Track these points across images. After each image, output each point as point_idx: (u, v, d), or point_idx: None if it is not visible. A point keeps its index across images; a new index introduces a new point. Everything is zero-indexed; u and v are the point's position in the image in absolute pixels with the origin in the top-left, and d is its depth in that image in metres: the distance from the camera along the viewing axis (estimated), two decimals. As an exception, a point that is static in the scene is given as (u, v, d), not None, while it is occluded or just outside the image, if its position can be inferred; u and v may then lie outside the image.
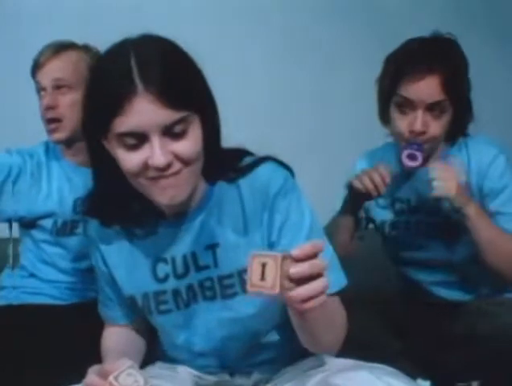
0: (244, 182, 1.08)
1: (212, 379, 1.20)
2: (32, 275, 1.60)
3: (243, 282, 1.08)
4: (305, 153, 2.53)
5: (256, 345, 1.13)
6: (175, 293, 1.12)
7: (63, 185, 1.58)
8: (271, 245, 1.07)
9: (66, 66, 1.50)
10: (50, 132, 1.53)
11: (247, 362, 1.17)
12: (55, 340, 1.39)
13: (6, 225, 1.66)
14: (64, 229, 1.56)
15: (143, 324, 1.22)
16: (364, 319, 1.52)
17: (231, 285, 1.09)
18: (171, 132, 0.96)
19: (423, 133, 1.42)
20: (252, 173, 1.08)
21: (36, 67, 1.52)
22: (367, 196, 1.49)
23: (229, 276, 1.09)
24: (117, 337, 1.24)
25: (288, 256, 0.80)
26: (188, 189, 1.01)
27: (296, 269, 0.79)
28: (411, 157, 1.44)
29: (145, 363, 1.22)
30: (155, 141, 0.95)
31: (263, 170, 1.09)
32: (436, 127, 1.43)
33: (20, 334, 1.41)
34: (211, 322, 1.13)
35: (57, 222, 1.55)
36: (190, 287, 1.11)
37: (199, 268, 1.10)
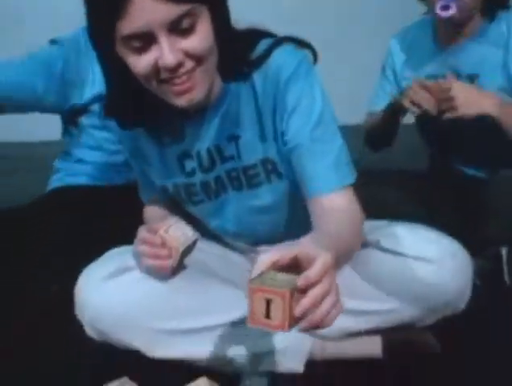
0: (258, 76, 1.05)
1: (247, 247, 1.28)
2: (79, 160, 1.67)
3: (267, 172, 1.11)
4: (334, 43, 2.50)
5: (288, 227, 1.17)
6: (204, 185, 1.15)
7: None
8: (281, 135, 1.06)
9: None
10: None
11: (281, 239, 1.22)
12: (99, 219, 1.47)
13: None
14: None
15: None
16: (393, 195, 1.58)
17: (256, 174, 1.11)
18: (178, 28, 0.90)
19: None
20: (266, 62, 1.04)
21: None
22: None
23: (253, 166, 1.11)
24: (157, 207, 1.29)
25: (294, 289, 0.71)
26: (204, 89, 0.98)
27: (300, 309, 0.71)
28: (445, 8, 1.40)
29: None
30: (163, 40, 0.90)
31: (277, 56, 1.03)
32: None
33: (69, 213, 1.50)
34: (240, 210, 1.17)
35: None
36: (218, 178, 1.14)
37: (224, 160, 1.11)
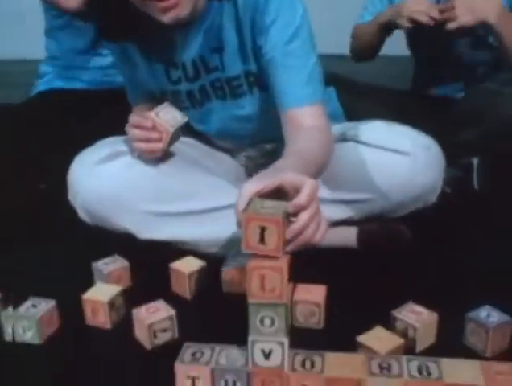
0: None
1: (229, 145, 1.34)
2: (67, 65, 1.69)
3: (249, 84, 1.16)
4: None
5: (271, 132, 1.20)
6: (189, 93, 1.20)
7: None
8: (259, 49, 1.09)
9: None
10: None
11: (264, 142, 1.31)
12: (87, 120, 1.50)
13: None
14: None
15: None
16: (377, 110, 1.63)
17: (239, 85, 1.17)
18: None
19: None
20: None
21: None
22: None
23: (236, 78, 1.16)
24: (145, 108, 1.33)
25: (285, 215, 0.75)
26: (189, 6, 1.01)
27: (291, 234, 0.77)
28: None
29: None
30: None
31: None
32: None
33: (57, 114, 1.54)
34: (224, 118, 1.23)
35: None
36: (202, 88, 1.19)
37: (208, 71, 1.16)
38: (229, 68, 1.15)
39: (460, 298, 1.00)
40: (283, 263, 0.75)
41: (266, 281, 0.75)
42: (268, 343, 0.78)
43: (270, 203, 0.77)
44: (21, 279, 1.14)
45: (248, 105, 1.20)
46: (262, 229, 0.73)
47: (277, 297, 0.76)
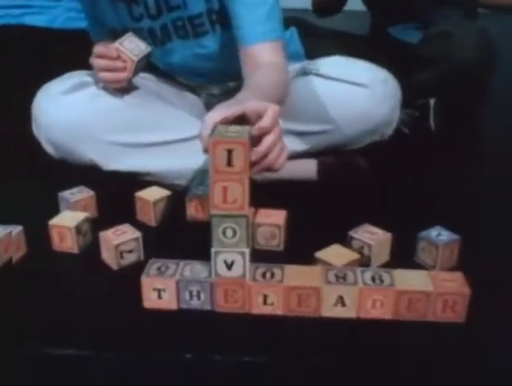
0: None
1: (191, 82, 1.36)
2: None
3: (212, 22, 1.17)
4: None
5: (233, 70, 1.20)
6: (151, 31, 1.21)
7: None
8: None
9: None
10: None
11: (226, 80, 1.32)
12: (44, 60, 1.49)
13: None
14: None
15: None
16: (337, 51, 1.66)
17: (201, 23, 1.18)
18: None
19: None
20: None
21: None
22: None
23: (198, 16, 1.17)
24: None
25: (250, 138, 0.78)
26: None
27: (256, 155, 0.81)
28: None
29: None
30: None
31: None
32: None
33: (20, 54, 1.52)
34: (186, 57, 1.24)
35: None
36: (164, 27, 1.20)
37: (170, 9, 1.17)
38: (192, 6, 1.16)
39: (412, 221, 1.05)
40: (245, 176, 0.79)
41: (228, 193, 0.79)
42: (230, 254, 0.82)
43: (234, 128, 0.80)
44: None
45: (210, 44, 1.21)
46: (229, 152, 0.76)
47: (238, 209, 0.79)
